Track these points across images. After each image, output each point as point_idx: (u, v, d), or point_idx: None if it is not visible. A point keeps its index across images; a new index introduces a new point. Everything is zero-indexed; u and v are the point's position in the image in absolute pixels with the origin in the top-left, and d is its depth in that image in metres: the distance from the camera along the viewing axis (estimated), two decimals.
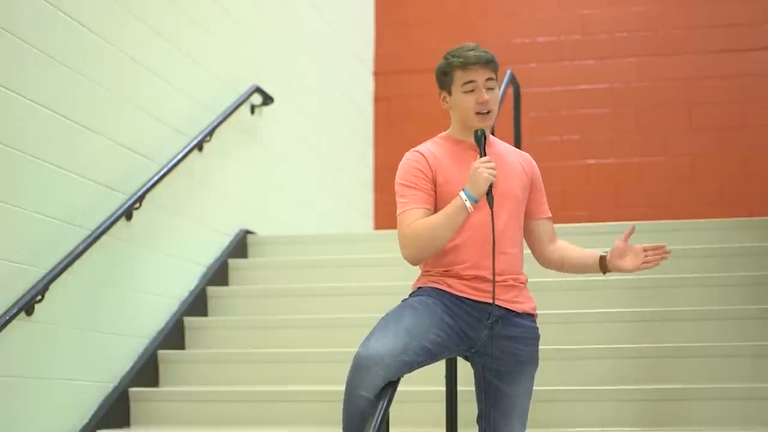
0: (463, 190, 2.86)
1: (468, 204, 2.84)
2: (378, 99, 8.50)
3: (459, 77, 2.97)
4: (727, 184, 7.68)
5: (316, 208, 7.20)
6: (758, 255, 5.01)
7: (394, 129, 8.37)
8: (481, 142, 2.94)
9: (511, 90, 5.81)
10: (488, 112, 2.96)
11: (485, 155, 2.92)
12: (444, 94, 3.04)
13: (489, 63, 2.96)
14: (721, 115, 7.77)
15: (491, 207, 2.86)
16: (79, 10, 4.33)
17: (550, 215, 3.15)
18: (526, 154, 3.17)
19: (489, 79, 2.96)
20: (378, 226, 8.19)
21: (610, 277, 4.93)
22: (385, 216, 8.09)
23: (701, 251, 5.11)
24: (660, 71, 7.96)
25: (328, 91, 7.60)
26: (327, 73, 7.57)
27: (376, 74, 8.53)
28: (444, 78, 3.01)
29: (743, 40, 7.82)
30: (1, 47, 3.81)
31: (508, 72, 5.57)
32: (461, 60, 2.96)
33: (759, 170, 7.63)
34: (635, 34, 8.07)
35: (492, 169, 2.85)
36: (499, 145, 3.11)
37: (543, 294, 4.28)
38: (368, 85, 8.48)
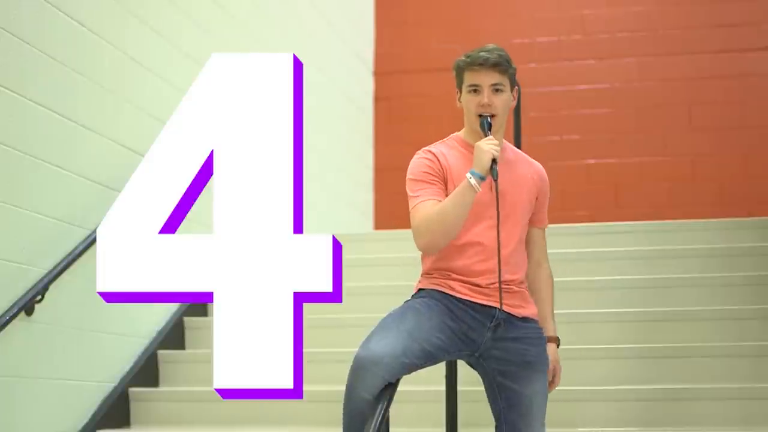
0: (470, 170, 2.80)
1: (473, 181, 2.77)
2: (378, 99, 8.50)
3: (467, 78, 2.95)
4: (727, 184, 7.68)
5: (316, 208, 7.19)
6: (758, 255, 5.01)
7: (393, 129, 8.36)
8: (484, 127, 2.89)
9: None
10: (491, 116, 2.92)
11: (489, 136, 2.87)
12: (458, 93, 3.01)
13: (496, 66, 2.90)
14: (721, 115, 7.77)
15: (495, 179, 2.81)
16: (79, 10, 4.33)
17: (545, 225, 3.11)
18: (538, 165, 3.12)
19: (495, 83, 2.92)
20: (378, 226, 8.19)
21: (611, 277, 4.97)
22: (385, 216, 8.09)
23: (701, 251, 5.11)
24: (660, 71, 7.96)
25: (329, 90, 7.60)
26: (327, 72, 7.57)
27: (376, 74, 8.53)
28: (457, 78, 3.00)
29: (743, 40, 7.82)
30: (1, 47, 3.81)
31: None
32: (468, 61, 2.93)
33: (759, 170, 7.63)
34: (635, 34, 8.07)
35: (495, 145, 2.80)
36: (509, 152, 3.06)
37: None
38: (368, 85, 8.48)
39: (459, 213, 2.80)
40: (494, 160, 2.79)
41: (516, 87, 3.03)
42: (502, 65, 2.92)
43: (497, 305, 2.89)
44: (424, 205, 2.86)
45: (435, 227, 2.82)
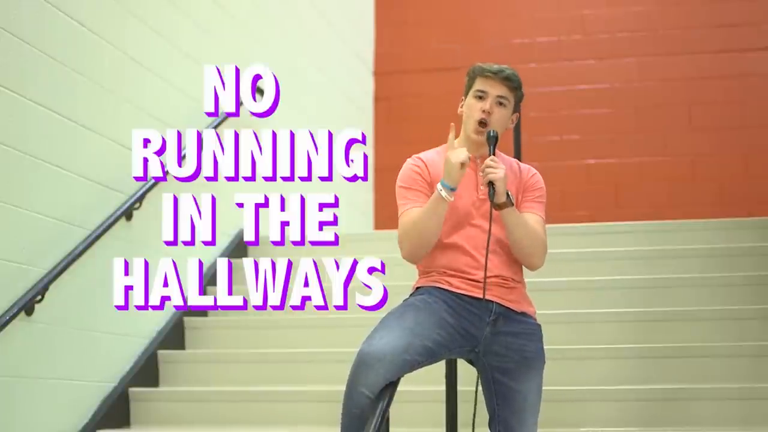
0: (441, 181, 2.90)
1: (444, 193, 2.87)
2: (378, 99, 8.50)
3: (477, 84, 3.05)
4: (726, 184, 7.68)
5: None
6: (758, 255, 5.01)
7: (393, 129, 8.36)
8: (491, 142, 2.95)
9: None
10: (486, 125, 2.99)
11: (494, 154, 2.93)
12: (463, 99, 3.10)
13: (507, 80, 3.01)
14: (721, 115, 7.76)
15: (491, 199, 2.88)
16: (79, 10, 4.33)
17: (537, 213, 3.06)
18: (528, 167, 3.17)
19: (501, 95, 3.01)
20: (378, 226, 8.19)
21: (611, 277, 4.97)
22: (385, 216, 8.09)
23: (701, 251, 5.11)
24: (660, 71, 7.95)
25: (328, 91, 7.60)
26: (327, 73, 7.57)
27: (376, 74, 8.53)
28: (468, 82, 3.10)
29: (743, 40, 7.82)
30: (1, 47, 3.81)
31: None
32: (483, 67, 3.05)
33: (759, 170, 7.63)
34: (635, 34, 8.07)
35: (462, 154, 2.86)
36: (503, 160, 3.12)
37: (545, 294, 4.29)
38: (368, 85, 8.48)
39: (431, 224, 2.91)
40: (491, 183, 2.85)
41: (518, 113, 3.12)
42: (513, 82, 3.03)
43: (493, 299, 2.94)
44: (408, 214, 2.97)
45: (412, 238, 2.94)
